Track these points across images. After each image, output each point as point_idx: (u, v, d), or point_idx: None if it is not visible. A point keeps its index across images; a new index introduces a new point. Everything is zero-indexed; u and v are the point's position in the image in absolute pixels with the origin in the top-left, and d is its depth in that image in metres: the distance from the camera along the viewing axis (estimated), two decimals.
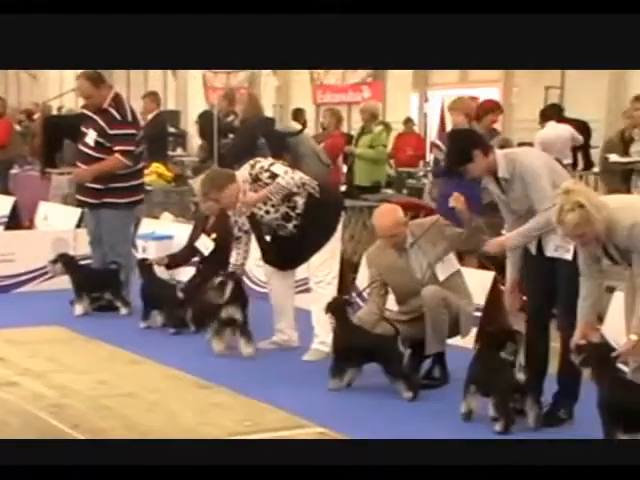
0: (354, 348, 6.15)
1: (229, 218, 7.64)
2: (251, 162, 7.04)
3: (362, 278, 7.86)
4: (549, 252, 5.42)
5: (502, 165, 5.42)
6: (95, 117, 8.27)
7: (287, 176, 6.83)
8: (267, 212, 6.95)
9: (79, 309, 8.36)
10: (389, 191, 11.81)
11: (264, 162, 7.01)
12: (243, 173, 6.98)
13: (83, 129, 8.41)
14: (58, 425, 5.32)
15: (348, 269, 8.74)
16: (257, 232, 7.13)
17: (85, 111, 8.58)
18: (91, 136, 8.29)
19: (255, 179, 6.90)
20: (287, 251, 7.09)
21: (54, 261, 8.61)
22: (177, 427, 5.35)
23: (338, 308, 6.35)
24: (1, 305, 8.79)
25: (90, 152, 8.34)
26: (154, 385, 6.20)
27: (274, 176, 6.85)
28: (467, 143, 5.54)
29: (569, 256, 5.27)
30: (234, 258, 7.15)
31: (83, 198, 8.66)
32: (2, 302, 8.95)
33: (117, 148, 8.21)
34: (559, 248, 5.35)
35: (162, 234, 10.55)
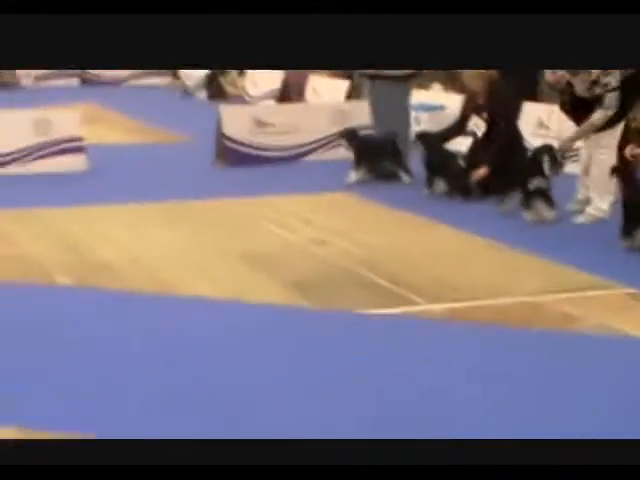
0: None
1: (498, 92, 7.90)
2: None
3: None
4: None
5: None
6: None
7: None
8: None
9: (353, 177, 8.71)
10: None
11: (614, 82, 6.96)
12: None
13: None
14: (376, 279, 5.70)
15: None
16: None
17: None
18: None
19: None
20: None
21: (341, 136, 9.06)
22: (489, 285, 5.57)
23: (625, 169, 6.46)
24: (293, 173, 9.36)
25: None
26: (451, 248, 6.49)
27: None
28: None
29: None
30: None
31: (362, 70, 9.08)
32: (293, 170, 9.52)
33: None
34: None
35: (433, 104, 10.76)
